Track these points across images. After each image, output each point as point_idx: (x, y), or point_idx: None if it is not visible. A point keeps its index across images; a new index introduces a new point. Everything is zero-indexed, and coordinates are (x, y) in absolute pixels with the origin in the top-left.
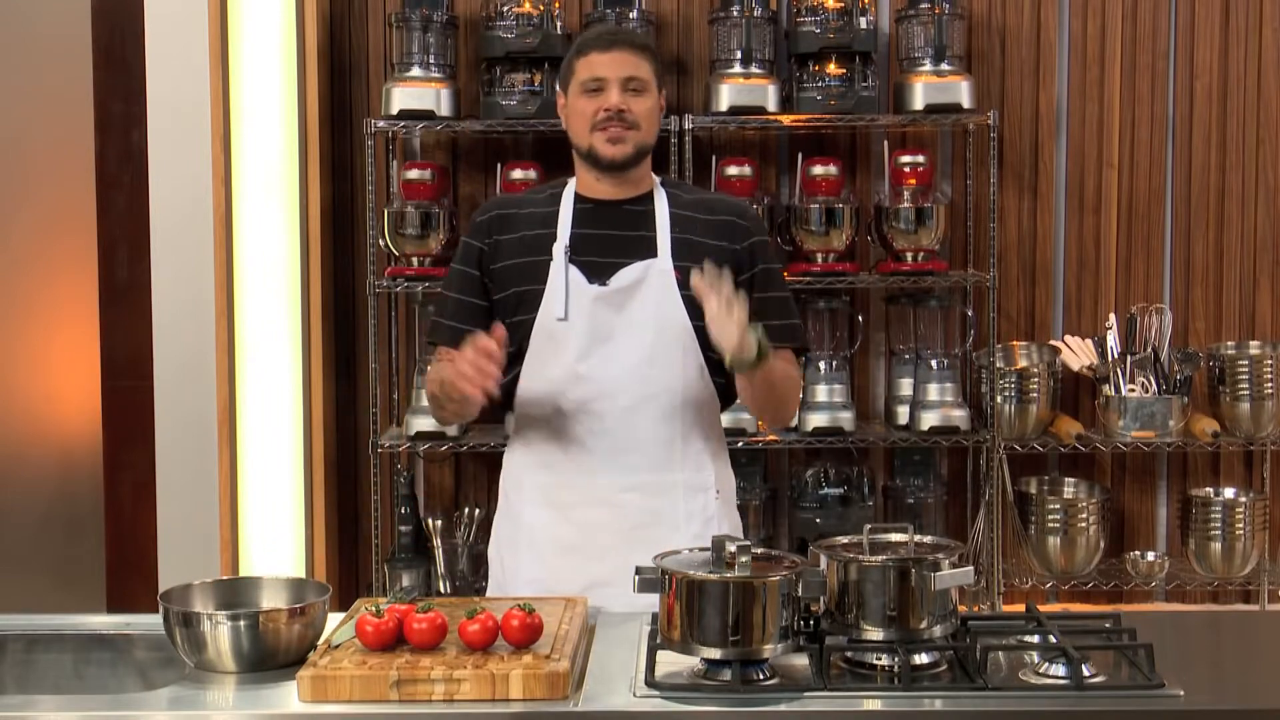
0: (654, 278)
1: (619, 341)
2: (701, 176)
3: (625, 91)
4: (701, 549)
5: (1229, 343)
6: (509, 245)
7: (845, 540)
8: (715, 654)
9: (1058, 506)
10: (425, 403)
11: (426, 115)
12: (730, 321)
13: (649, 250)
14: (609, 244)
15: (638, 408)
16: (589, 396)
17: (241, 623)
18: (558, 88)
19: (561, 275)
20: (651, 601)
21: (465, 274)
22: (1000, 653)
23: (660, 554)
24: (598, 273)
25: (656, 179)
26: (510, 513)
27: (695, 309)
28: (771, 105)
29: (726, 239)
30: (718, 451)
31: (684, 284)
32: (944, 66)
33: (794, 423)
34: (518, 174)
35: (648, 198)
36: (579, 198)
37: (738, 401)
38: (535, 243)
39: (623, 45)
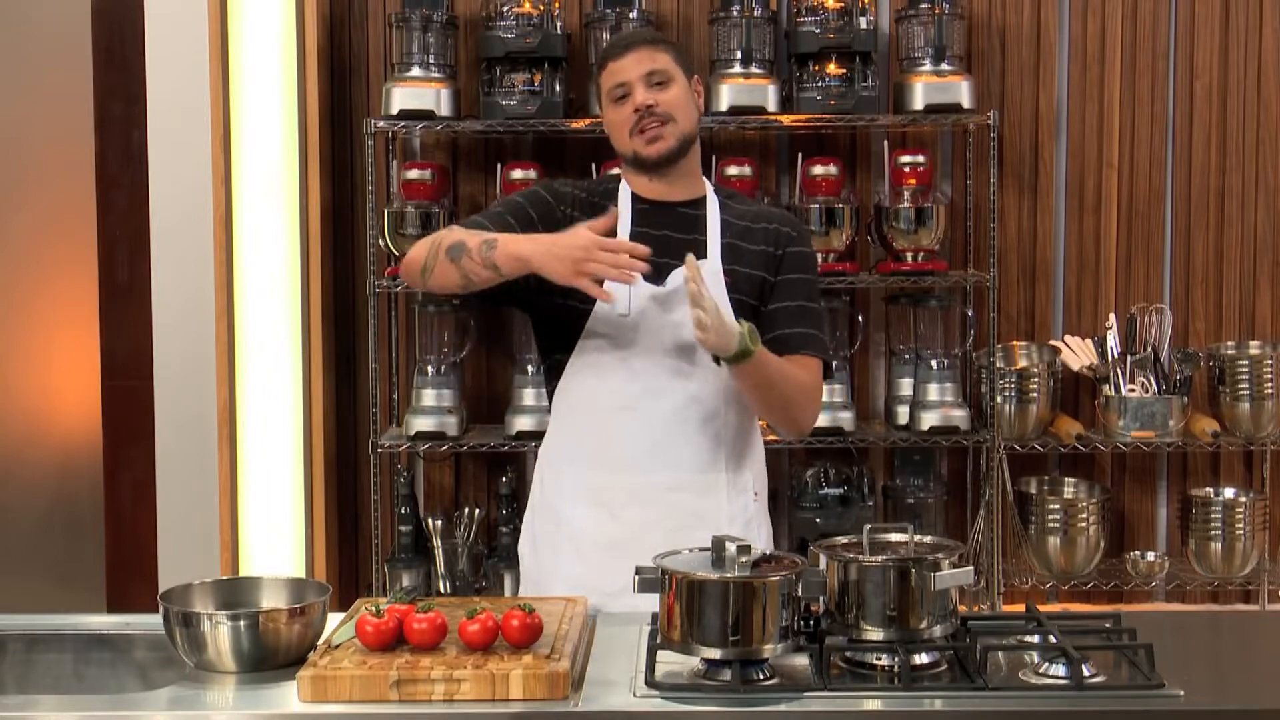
0: (704, 279)
1: (671, 340)
2: None
3: (650, 88)
4: (702, 549)
5: (1229, 343)
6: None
7: (845, 540)
8: (715, 654)
9: (1058, 506)
10: (425, 402)
11: (426, 115)
12: (698, 310)
13: (700, 253)
14: (664, 244)
15: (686, 406)
16: (639, 393)
17: (241, 623)
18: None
19: None
20: None
21: (523, 209)
22: (1000, 653)
23: (660, 554)
24: (654, 272)
25: (709, 185)
26: (548, 507)
27: (740, 310)
28: (771, 105)
29: (768, 244)
30: (755, 454)
31: (732, 287)
32: (944, 66)
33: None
34: (518, 174)
35: (701, 202)
36: (635, 197)
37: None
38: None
39: (636, 44)
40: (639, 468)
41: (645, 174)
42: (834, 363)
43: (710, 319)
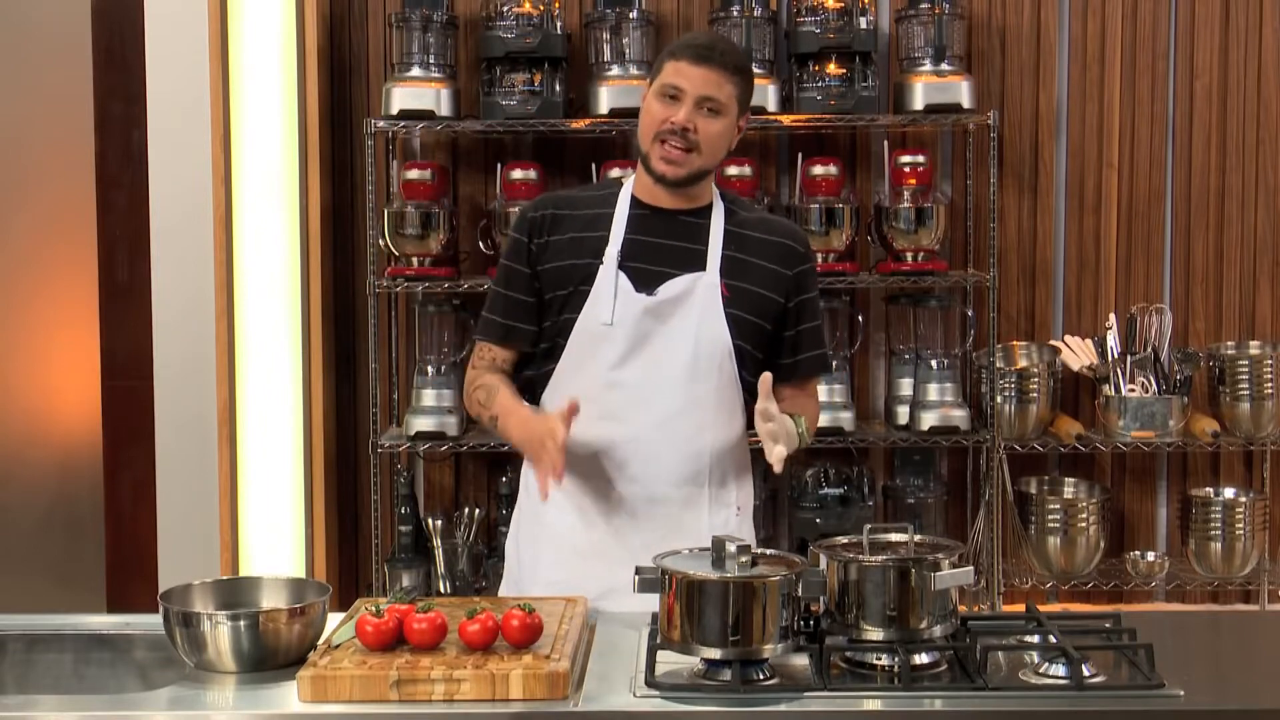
0: (700, 291)
1: (659, 352)
2: None
3: (698, 110)
4: (701, 549)
5: (1229, 343)
6: (559, 246)
7: (845, 540)
8: (715, 654)
9: (1058, 506)
10: (425, 402)
11: (426, 115)
12: (774, 428)
13: (698, 263)
14: (659, 253)
15: (672, 419)
16: (624, 404)
17: (241, 623)
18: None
19: (611, 280)
20: None
21: (514, 270)
22: (1000, 653)
23: (660, 554)
24: (645, 281)
25: (717, 192)
26: (533, 511)
27: (738, 327)
28: (771, 105)
29: (778, 263)
30: (742, 468)
31: (730, 301)
32: (944, 66)
33: None
34: (518, 174)
35: (705, 210)
36: (635, 201)
37: None
38: (586, 244)
39: (714, 64)
40: (623, 478)
41: (650, 178)
42: (833, 362)
43: (781, 440)
